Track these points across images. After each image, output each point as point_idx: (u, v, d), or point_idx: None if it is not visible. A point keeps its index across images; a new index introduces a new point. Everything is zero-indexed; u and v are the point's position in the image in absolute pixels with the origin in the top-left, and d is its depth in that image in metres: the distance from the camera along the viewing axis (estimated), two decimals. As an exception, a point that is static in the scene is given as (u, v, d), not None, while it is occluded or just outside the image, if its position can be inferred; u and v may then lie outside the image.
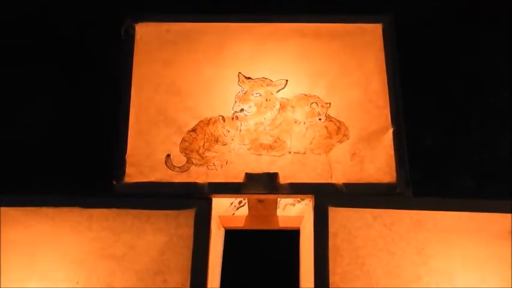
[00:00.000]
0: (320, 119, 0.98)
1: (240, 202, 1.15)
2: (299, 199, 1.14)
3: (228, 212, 1.15)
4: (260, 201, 1.08)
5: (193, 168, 0.95)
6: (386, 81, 1.01)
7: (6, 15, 1.41)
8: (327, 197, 0.91)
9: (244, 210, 1.14)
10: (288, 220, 1.14)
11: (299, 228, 1.12)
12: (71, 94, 1.33)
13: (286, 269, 1.13)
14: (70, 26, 1.42)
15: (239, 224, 1.13)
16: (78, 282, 0.87)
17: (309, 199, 1.02)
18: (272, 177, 0.94)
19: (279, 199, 1.12)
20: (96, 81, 1.33)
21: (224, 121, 0.98)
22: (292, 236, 1.12)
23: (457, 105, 1.33)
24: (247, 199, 1.10)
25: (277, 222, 1.14)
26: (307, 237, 0.98)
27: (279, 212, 1.15)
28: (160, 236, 0.89)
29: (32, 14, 1.43)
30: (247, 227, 1.14)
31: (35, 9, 1.42)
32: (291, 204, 1.15)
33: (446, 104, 1.33)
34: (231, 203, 1.15)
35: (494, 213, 0.90)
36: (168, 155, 0.96)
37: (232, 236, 1.14)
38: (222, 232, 1.13)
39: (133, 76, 1.03)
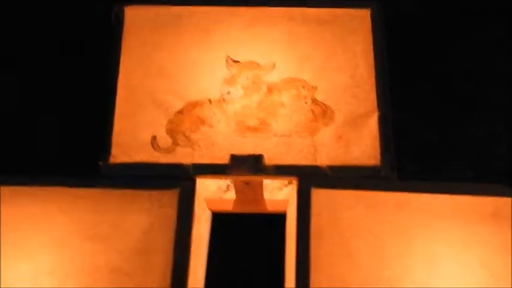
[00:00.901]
0: (306, 102, 0.99)
1: (227, 186, 1.15)
2: (287, 182, 1.15)
3: (216, 195, 1.15)
4: (246, 183, 1.08)
5: (178, 149, 0.96)
6: (373, 65, 1.02)
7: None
8: (310, 178, 0.91)
9: (232, 194, 1.15)
10: (275, 204, 1.14)
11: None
12: (59, 76, 1.33)
13: (274, 253, 1.13)
14: (62, 13, 1.42)
15: (227, 207, 1.14)
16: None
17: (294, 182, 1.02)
18: (257, 159, 0.94)
19: (265, 182, 1.13)
20: (84, 65, 1.32)
21: (211, 103, 0.98)
22: (281, 219, 1.12)
23: (454, 100, 1.33)
24: (234, 181, 1.10)
25: (265, 205, 1.14)
26: (292, 219, 0.98)
27: (267, 196, 1.15)
28: (144, 216, 0.90)
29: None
30: (234, 210, 1.14)
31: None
32: (278, 188, 1.15)
33: (443, 99, 1.33)
34: (219, 186, 1.15)
35: (478, 196, 0.91)
36: (154, 137, 0.96)
37: (220, 219, 1.14)
38: (209, 215, 1.13)
39: (122, 59, 1.03)
